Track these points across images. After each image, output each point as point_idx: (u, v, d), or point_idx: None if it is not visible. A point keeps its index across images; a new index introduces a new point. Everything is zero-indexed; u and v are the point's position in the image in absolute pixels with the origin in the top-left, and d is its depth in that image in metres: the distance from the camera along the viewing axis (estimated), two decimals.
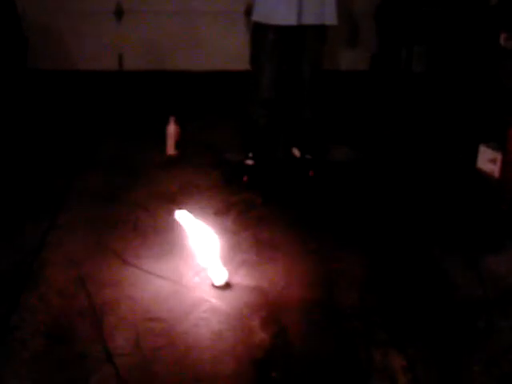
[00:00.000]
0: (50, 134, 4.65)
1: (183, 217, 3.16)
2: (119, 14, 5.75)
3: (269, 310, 2.79)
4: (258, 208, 3.68)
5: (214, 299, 2.84)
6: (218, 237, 3.03)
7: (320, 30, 3.88)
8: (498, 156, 3.95)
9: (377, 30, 6.02)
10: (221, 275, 2.94)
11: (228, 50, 5.75)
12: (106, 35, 5.75)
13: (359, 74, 5.94)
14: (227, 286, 2.93)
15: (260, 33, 3.89)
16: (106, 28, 5.75)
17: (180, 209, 3.34)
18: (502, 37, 4.57)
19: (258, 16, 3.83)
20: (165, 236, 3.33)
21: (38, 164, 4.17)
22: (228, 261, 3.03)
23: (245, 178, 4.00)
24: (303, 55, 3.96)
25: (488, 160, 4.09)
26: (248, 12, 5.08)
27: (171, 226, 3.38)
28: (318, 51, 3.99)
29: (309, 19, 3.75)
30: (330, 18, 3.80)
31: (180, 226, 3.21)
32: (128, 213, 3.58)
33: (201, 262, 3.01)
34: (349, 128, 5.00)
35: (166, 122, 4.33)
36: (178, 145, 4.33)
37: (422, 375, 2.45)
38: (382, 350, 2.56)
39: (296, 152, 4.27)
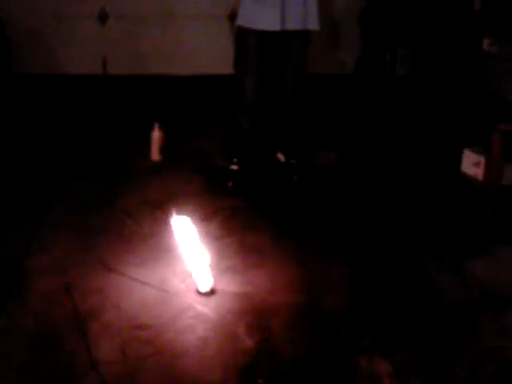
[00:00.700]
0: (35, 140, 4.62)
1: (179, 222, 3.14)
2: (103, 18, 5.72)
3: (254, 315, 2.79)
4: (243, 213, 3.67)
5: (199, 306, 2.83)
6: (204, 243, 3.03)
7: (303, 35, 3.89)
8: (482, 160, 3.97)
9: (361, 33, 6.03)
10: (206, 281, 2.93)
11: (212, 54, 5.73)
12: (90, 39, 5.71)
13: (343, 78, 5.94)
14: (213, 292, 2.93)
15: (244, 37, 3.90)
16: (89, 32, 5.71)
17: (166, 215, 3.34)
18: (486, 42, 4.59)
19: (242, 21, 3.84)
20: (150, 243, 3.32)
21: (22, 171, 4.14)
22: (213, 267, 3.02)
23: (230, 184, 4.00)
24: (287, 60, 3.97)
25: (472, 164, 4.11)
26: (232, 17, 5.08)
27: (156, 233, 3.39)
28: (301, 56, 4.00)
29: (292, 25, 3.76)
30: (312, 23, 3.81)
31: (170, 230, 3.20)
32: (113, 219, 3.57)
33: (186, 269, 3.01)
34: (333, 132, 5.01)
35: (151, 128, 4.32)
36: (162, 150, 4.32)
37: (408, 381, 2.46)
38: (367, 356, 2.56)
39: (281, 157, 4.27)
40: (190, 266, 2.99)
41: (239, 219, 3.61)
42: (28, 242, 3.30)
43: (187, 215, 3.14)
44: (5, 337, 2.60)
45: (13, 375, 2.40)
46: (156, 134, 4.31)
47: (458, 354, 2.61)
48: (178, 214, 3.16)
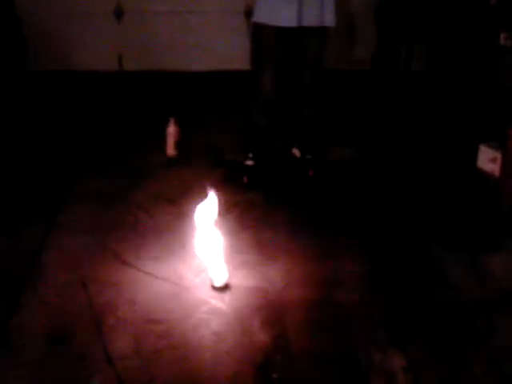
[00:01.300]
0: (51, 135, 4.65)
1: (195, 216, 3.14)
2: (119, 14, 5.74)
3: (269, 310, 2.79)
4: (258, 208, 3.67)
5: (214, 300, 2.84)
6: (221, 237, 3.03)
7: (320, 31, 3.88)
8: (498, 155, 3.94)
9: (377, 29, 6.01)
10: (221, 276, 2.93)
11: (228, 50, 5.74)
12: (106, 36, 5.74)
13: (360, 74, 5.92)
14: (227, 286, 2.93)
15: (260, 34, 3.90)
16: (105, 28, 5.74)
17: (181, 209, 3.36)
18: (502, 36, 4.57)
19: (258, 17, 3.83)
20: (165, 237, 3.33)
21: (38, 165, 4.17)
22: (228, 261, 3.02)
23: (245, 179, 4.01)
24: (304, 56, 3.96)
25: (488, 159, 4.08)
26: (248, 13, 5.08)
27: (171, 227, 3.40)
28: (318, 53, 3.98)
29: (309, 21, 3.75)
30: (328, 19, 3.80)
31: (185, 225, 3.21)
32: (128, 214, 3.58)
33: (201, 263, 3.01)
34: (349, 128, 5.00)
35: (166, 123, 4.33)
36: (177, 145, 4.32)
37: (422, 375, 2.45)
38: (382, 350, 2.55)
39: (296, 152, 4.26)
40: (205, 261, 2.99)
41: (254, 214, 3.61)
42: (43, 237, 3.32)
43: (203, 210, 3.12)
44: (20, 331, 2.62)
45: (28, 369, 2.41)
46: (171, 129, 4.31)
47: (473, 351, 2.59)
48: (193, 208, 3.15)
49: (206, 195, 3.10)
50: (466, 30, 5.15)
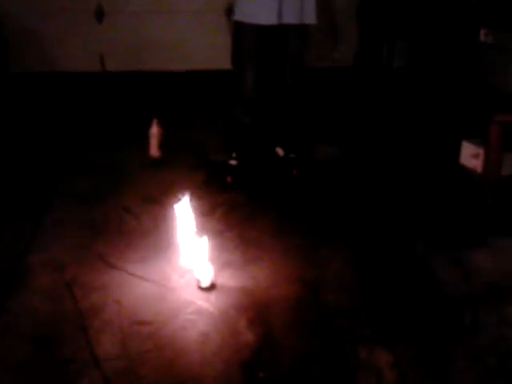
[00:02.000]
0: (34, 137, 4.63)
1: (179, 217, 3.14)
2: (100, 14, 5.72)
3: (255, 310, 2.79)
4: (243, 208, 3.68)
5: (200, 301, 2.84)
6: (205, 238, 3.03)
7: (301, 29, 3.89)
8: (481, 151, 3.97)
9: (358, 27, 6.03)
10: (206, 276, 2.93)
11: (210, 50, 5.74)
12: (87, 36, 5.72)
13: (342, 71, 5.94)
14: (213, 287, 2.93)
15: (241, 32, 3.90)
16: (86, 29, 5.72)
17: (166, 210, 3.36)
18: (482, 32, 4.60)
19: (239, 15, 3.83)
20: (150, 238, 3.33)
21: (23, 167, 4.15)
22: (213, 261, 3.02)
23: (228, 179, 4.01)
24: (285, 54, 3.97)
25: (471, 155, 4.11)
26: (229, 11, 5.08)
27: (156, 228, 3.39)
28: (299, 50, 4.00)
29: (289, 18, 3.76)
30: (309, 17, 3.81)
31: (170, 226, 3.21)
32: (113, 215, 3.58)
33: (186, 264, 3.01)
34: (332, 126, 5.01)
35: (149, 124, 4.32)
36: (161, 146, 4.32)
37: (409, 371, 2.46)
38: (368, 347, 2.57)
39: (280, 151, 4.27)
40: (190, 262, 2.99)
41: (239, 214, 3.62)
42: (28, 239, 3.31)
43: (187, 210, 3.13)
44: (5, 333, 2.61)
45: (14, 372, 2.41)
46: (155, 130, 4.31)
47: (458, 346, 2.61)
48: (177, 209, 3.15)
49: (181, 199, 3.12)
50: (446, 27, 5.18)
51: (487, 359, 2.53)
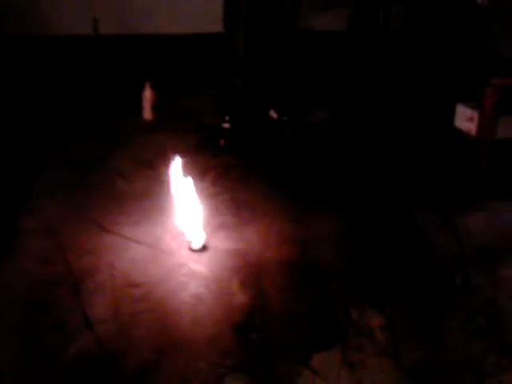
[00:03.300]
0: (25, 101, 4.60)
1: (173, 179, 3.12)
2: None
3: (247, 272, 2.80)
4: (236, 171, 3.67)
5: (192, 263, 2.84)
6: (198, 200, 3.02)
7: None
8: (475, 115, 3.95)
9: None
10: (199, 239, 2.94)
11: (204, 12, 5.67)
12: None
13: (337, 35, 5.89)
14: (205, 249, 2.94)
15: None
16: None
17: (159, 174, 3.36)
18: None
19: None
20: (143, 202, 3.32)
21: (12, 132, 4.12)
22: (206, 224, 3.02)
23: (221, 142, 3.99)
24: (277, 17, 3.93)
25: (465, 118, 4.09)
26: None
27: (149, 192, 3.39)
28: (291, 13, 3.96)
29: None
30: None
31: (162, 189, 3.21)
32: (106, 179, 3.57)
33: (179, 227, 3.01)
34: (327, 89, 4.98)
35: (142, 87, 4.30)
36: (154, 110, 4.30)
37: (400, 332, 2.48)
38: (359, 309, 2.58)
39: (273, 114, 4.25)
40: (183, 224, 2.99)
41: (232, 176, 3.61)
42: (20, 204, 3.30)
43: (180, 173, 3.12)
44: None
45: (6, 335, 2.42)
46: (147, 93, 4.29)
47: (449, 307, 2.62)
48: (170, 172, 3.14)
49: (173, 161, 3.11)
50: None
51: (477, 319, 2.55)
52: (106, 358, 2.32)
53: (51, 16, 5.63)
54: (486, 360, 2.36)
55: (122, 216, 3.20)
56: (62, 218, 3.18)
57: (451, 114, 4.19)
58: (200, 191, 3.18)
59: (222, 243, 2.99)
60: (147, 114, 4.30)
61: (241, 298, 2.63)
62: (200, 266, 2.82)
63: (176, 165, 3.14)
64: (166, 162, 3.37)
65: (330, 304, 2.63)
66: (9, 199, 3.34)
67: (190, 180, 3.04)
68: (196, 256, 2.89)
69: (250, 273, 2.79)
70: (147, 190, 3.43)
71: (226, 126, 4.07)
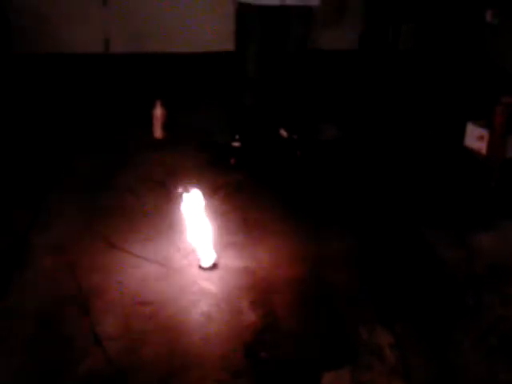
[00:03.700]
0: (37, 118, 4.62)
1: (184, 197, 3.12)
2: None
3: (257, 290, 2.79)
4: (246, 189, 3.67)
5: (202, 281, 2.84)
6: (208, 219, 3.02)
7: (304, 11, 3.87)
8: (486, 133, 3.94)
9: (364, 8, 6.00)
10: (209, 257, 2.94)
11: (215, 32, 5.71)
12: (92, 18, 5.70)
13: (347, 54, 5.91)
14: (216, 267, 2.94)
15: (244, 13, 3.89)
16: (91, 10, 5.69)
17: (169, 191, 3.36)
18: (488, 13, 4.57)
19: None
20: (153, 219, 3.33)
21: (26, 148, 4.14)
22: (216, 242, 3.02)
23: (232, 161, 4.00)
24: (288, 37, 3.95)
25: (475, 137, 4.08)
26: None
27: (159, 209, 3.39)
28: (302, 33, 3.98)
29: (292, 0, 3.74)
30: None
31: (172, 207, 3.21)
32: (116, 196, 3.57)
33: (189, 245, 3.01)
34: (337, 107, 4.99)
35: (153, 106, 4.32)
36: (164, 128, 4.31)
37: (410, 352, 2.46)
38: (369, 328, 2.57)
39: (283, 132, 4.25)
40: (193, 242, 2.99)
41: (242, 195, 3.61)
42: (32, 220, 3.31)
43: (193, 190, 3.12)
44: (8, 314, 2.62)
45: (17, 351, 2.42)
46: (158, 112, 4.30)
47: (460, 326, 2.61)
48: (181, 190, 3.14)
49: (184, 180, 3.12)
50: (453, 8, 5.15)
51: (489, 339, 2.53)
52: (116, 376, 2.32)
53: (62, 34, 5.66)
54: (497, 380, 2.34)
55: (132, 234, 3.21)
56: (73, 236, 3.18)
57: (461, 133, 4.19)
58: (210, 209, 3.19)
59: (232, 262, 2.99)
60: (158, 132, 4.32)
61: (251, 316, 2.63)
62: (210, 284, 2.82)
63: (187, 183, 3.14)
64: (176, 180, 3.37)
65: (341, 323, 2.62)
66: (20, 216, 3.35)
67: (200, 198, 3.04)
68: (206, 274, 2.89)
69: (260, 291, 2.79)
70: (157, 207, 3.44)
71: (237, 144, 4.08)
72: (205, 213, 3.04)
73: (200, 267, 2.93)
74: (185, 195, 3.06)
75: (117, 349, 2.43)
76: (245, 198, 3.58)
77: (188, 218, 3.05)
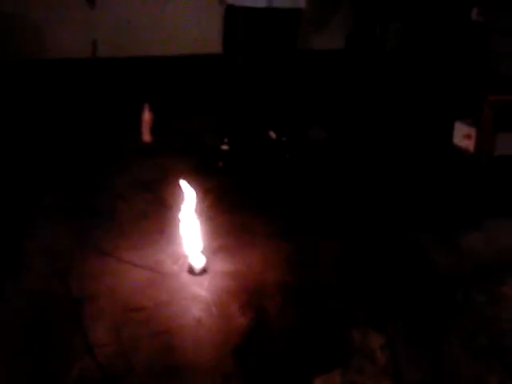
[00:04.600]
0: (24, 125, 4.60)
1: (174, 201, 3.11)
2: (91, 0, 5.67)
3: (248, 294, 2.79)
4: (234, 193, 3.68)
5: (193, 286, 2.84)
6: (197, 223, 3.02)
7: (292, 13, 3.88)
8: (473, 132, 3.96)
9: (351, 8, 6.01)
10: (199, 262, 2.94)
11: (204, 34, 5.70)
12: (79, 22, 5.67)
13: (334, 53, 5.92)
14: (206, 272, 2.93)
15: (232, 15, 3.90)
16: (78, 14, 5.67)
17: (158, 196, 3.36)
18: (474, 11, 4.59)
19: None
20: (142, 224, 3.33)
21: (12, 156, 4.13)
22: (206, 247, 3.02)
23: (220, 164, 4.00)
24: (276, 38, 3.95)
25: (463, 136, 4.10)
26: None
27: (148, 214, 3.39)
28: (290, 34, 3.99)
29: (279, 2, 3.74)
30: (300, 1, 3.81)
31: (162, 212, 3.21)
32: (105, 202, 3.57)
33: (179, 250, 3.01)
34: (325, 108, 5.00)
35: (141, 110, 4.31)
36: (153, 132, 4.31)
37: (401, 352, 2.47)
38: (360, 330, 2.57)
39: (272, 134, 4.26)
40: (183, 247, 2.99)
41: (230, 199, 3.62)
42: (21, 228, 3.30)
43: (181, 195, 3.12)
44: None
45: (6, 359, 2.40)
46: (146, 116, 4.31)
47: (451, 326, 2.62)
48: (170, 195, 3.14)
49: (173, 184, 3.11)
50: (439, 7, 5.16)
51: (479, 339, 2.54)
52: (107, 382, 2.31)
53: (49, 40, 5.64)
54: (488, 379, 2.35)
55: (122, 239, 3.20)
56: (62, 242, 3.17)
57: (450, 132, 4.21)
58: (199, 213, 3.19)
59: (222, 266, 2.99)
60: (146, 136, 4.32)
61: (241, 320, 2.63)
62: (201, 289, 2.82)
63: (175, 187, 3.14)
64: (165, 184, 3.37)
65: (331, 325, 2.62)
66: (9, 224, 3.34)
67: (189, 202, 3.04)
68: (196, 279, 2.89)
69: (250, 295, 2.78)
70: (147, 212, 3.44)
71: (225, 147, 4.08)
72: (194, 217, 3.04)
73: (190, 272, 2.93)
74: (174, 199, 3.05)
75: (108, 355, 2.42)
76: (233, 202, 3.58)
77: (177, 222, 3.04)
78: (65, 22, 5.62)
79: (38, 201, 3.58)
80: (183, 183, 3.06)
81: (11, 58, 5.43)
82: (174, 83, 5.38)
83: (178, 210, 3.05)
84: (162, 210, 3.30)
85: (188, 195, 3.04)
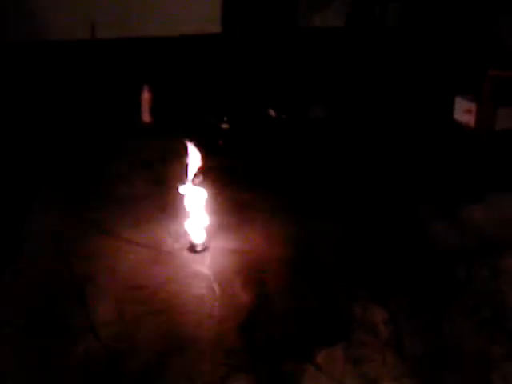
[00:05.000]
0: (23, 108, 4.59)
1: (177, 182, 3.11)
2: None
3: (250, 271, 2.79)
4: (235, 171, 3.67)
5: (194, 264, 2.84)
6: (199, 201, 3.02)
7: None
8: (473, 106, 3.95)
9: None
10: (201, 239, 2.93)
11: (203, 13, 5.66)
12: (78, 3, 5.64)
13: (334, 31, 5.88)
14: (207, 249, 2.94)
15: None
16: None
17: (158, 175, 3.35)
18: None
19: None
20: (143, 204, 3.33)
21: (14, 138, 4.12)
22: (207, 224, 3.02)
23: (220, 142, 4.00)
24: (275, 15, 3.93)
25: (464, 111, 4.09)
26: None
27: (149, 194, 3.39)
28: (290, 11, 3.97)
29: None
30: None
31: (162, 191, 3.20)
32: (106, 182, 3.58)
33: (180, 228, 3.01)
34: (325, 86, 4.97)
35: (141, 90, 4.30)
36: (152, 112, 4.30)
37: (404, 326, 2.47)
38: (363, 305, 2.57)
39: (272, 112, 4.24)
40: (184, 225, 2.99)
41: (231, 177, 3.61)
42: (23, 209, 3.30)
43: (181, 173, 3.11)
44: (2, 304, 2.61)
45: (11, 339, 2.41)
46: (146, 96, 4.29)
47: (453, 300, 2.62)
48: (171, 174, 3.13)
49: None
50: None
51: (482, 311, 2.54)
52: (111, 361, 2.31)
53: (48, 21, 5.61)
54: (491, 351, 2.35)
55: (123, 219, 3.20)
56: (64, 223, 3.18)
57: (450, 107, 4.20)
58: (200, 192, 3.18)
59: (224, 243, 2.99)
60: (146, 116, 4.31)
61: (244, 297, 2.63)
62: (202, 266, 2.82)
63: (176, 167, 3.13)
64: (165, 163, 3.36)
65: (333, 301, 2.62)
66: (12, 206, 3.34)
67: (190, 182, 3.03)
68: (198, 257, 2.89)
69: (252, 272, 2.79)
70: (147, 192, 3.44)
71: (225, 126, 4.07)
72: (195, 196, 3.03)
73: (192, 250, 2.93)
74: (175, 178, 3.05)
75: (111, 333, 2.43)
76: (234, 180, 3.58)
77: (178, 201, 3.04)
78: (63, 3, 5.58)
79: (37, 185, 3.58)
80: (189, 144, 3.05)
81: (10, 40, 5.41)
82: (174, 63, 5.35)
83: (179, 187, 3.04)
84: (162, 189, 3.29)
85: (193, 156, 3.02)
